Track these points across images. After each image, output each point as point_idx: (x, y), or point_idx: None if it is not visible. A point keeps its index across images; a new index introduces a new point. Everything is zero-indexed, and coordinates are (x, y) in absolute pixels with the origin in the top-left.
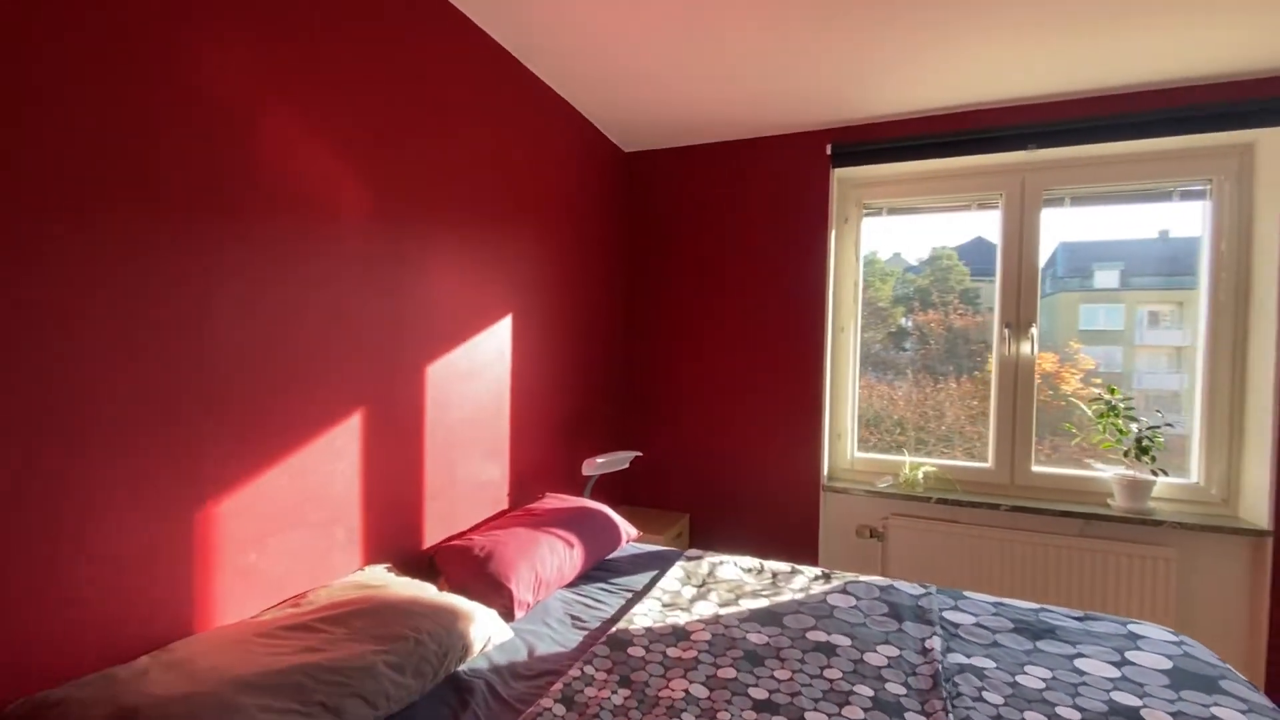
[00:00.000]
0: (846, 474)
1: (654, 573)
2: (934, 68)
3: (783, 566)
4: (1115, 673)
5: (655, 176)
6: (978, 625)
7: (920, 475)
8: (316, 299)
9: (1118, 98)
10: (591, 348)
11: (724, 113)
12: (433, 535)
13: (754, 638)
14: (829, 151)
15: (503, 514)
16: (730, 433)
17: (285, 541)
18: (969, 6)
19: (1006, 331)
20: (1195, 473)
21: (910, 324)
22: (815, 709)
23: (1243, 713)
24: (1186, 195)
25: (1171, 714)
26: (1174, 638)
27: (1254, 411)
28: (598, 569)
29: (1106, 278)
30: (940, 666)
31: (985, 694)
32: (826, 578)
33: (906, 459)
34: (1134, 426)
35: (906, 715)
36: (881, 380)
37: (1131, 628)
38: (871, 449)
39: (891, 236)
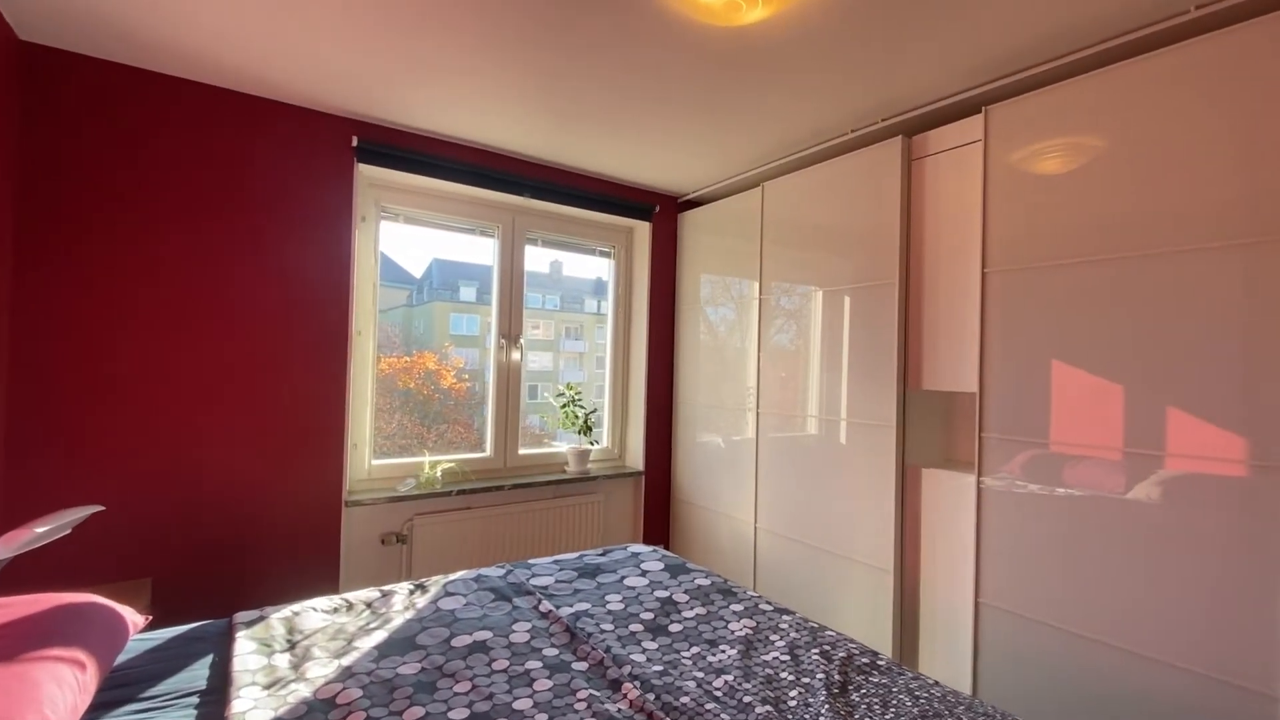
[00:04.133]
0: (364, 484)
1: (207, 659)
2: (449, 105)
3: (370, 593)
4: (645, 580)
5: (93, 96)
6: (557, 581)
7: (439, 473)
8: None
9: (582, 176)
10: None
11: (223, 47)
12: None
13: (406, 670)
14: (355, 144)
15: None
16: (207, 461)
17: None
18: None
19: (504, 341)
20: (606, 439)
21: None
22: (514, 698)
23: (705, 575)
24: (603, 253)
25: (684, 591)
26: (650, 549)
27: (634, 397)
28: (111, 687)
29: (469, 292)
30: (565, 621)
31: (601, 625)
32: (422, 588)
33: (426, 459)
34: (580, 412)
35: (574, 666)
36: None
37: (631, 549)
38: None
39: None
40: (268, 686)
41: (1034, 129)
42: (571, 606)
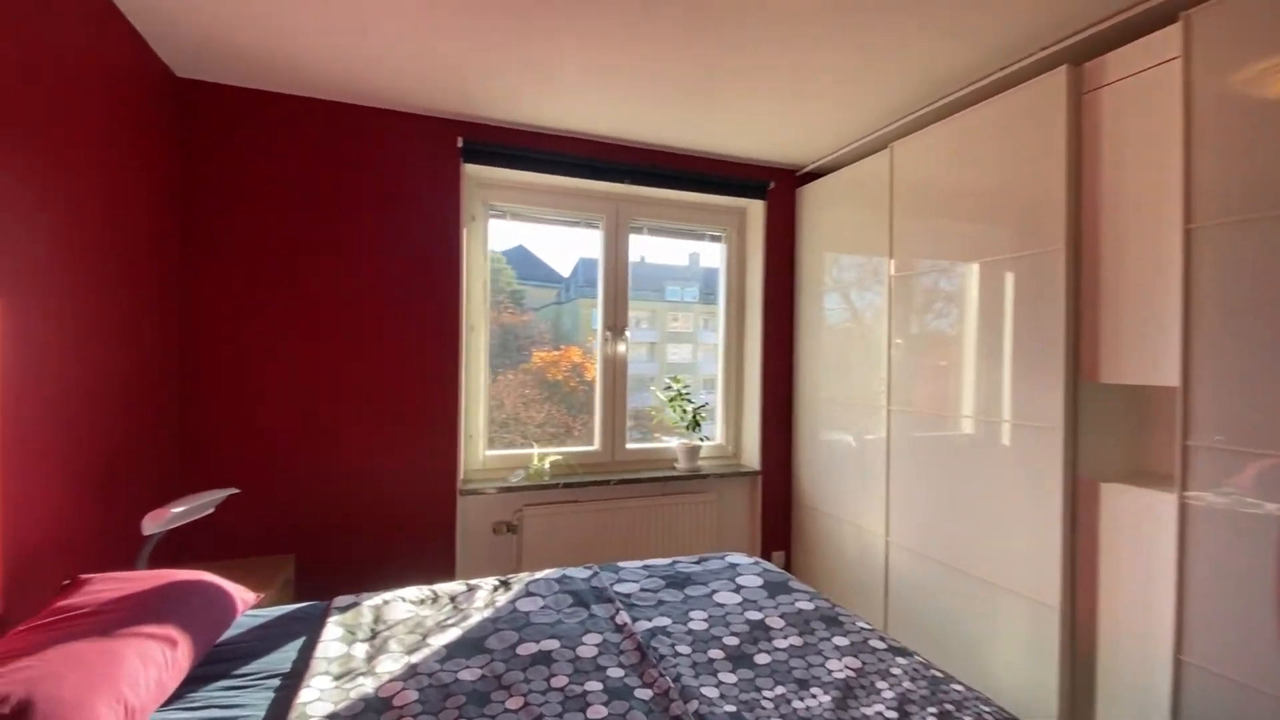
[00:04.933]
0: (478, 474)
1: (299, 642)
2: (551, 97)
3: (457, 586)
4: (738, 598)
5: (235, 122)
6: (642, 590)
7: (547, 465)
8: None
9: (681, 156)
10: (136, 353)
11: (344, 67)
12: None
13: (466, 675)
14: (460, 145)
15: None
16: (343, 449)
17: None
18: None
19: (608, 334)
20: (719, 435)
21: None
22: None
23: (809, 598)
24: (713, 238)
25: (780, 615)
26: (752, 560)
27: (749, 391)
28: (210, 661)
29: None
30: (638, 638)
31: (677, 647)
32: (506, 585)
33: (535, 451)
34: (688, 407)
35: (636, 693)
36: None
37: (729, 559)
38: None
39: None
40: (339, 677)
41: (1257, 36)
42: (650, 620)
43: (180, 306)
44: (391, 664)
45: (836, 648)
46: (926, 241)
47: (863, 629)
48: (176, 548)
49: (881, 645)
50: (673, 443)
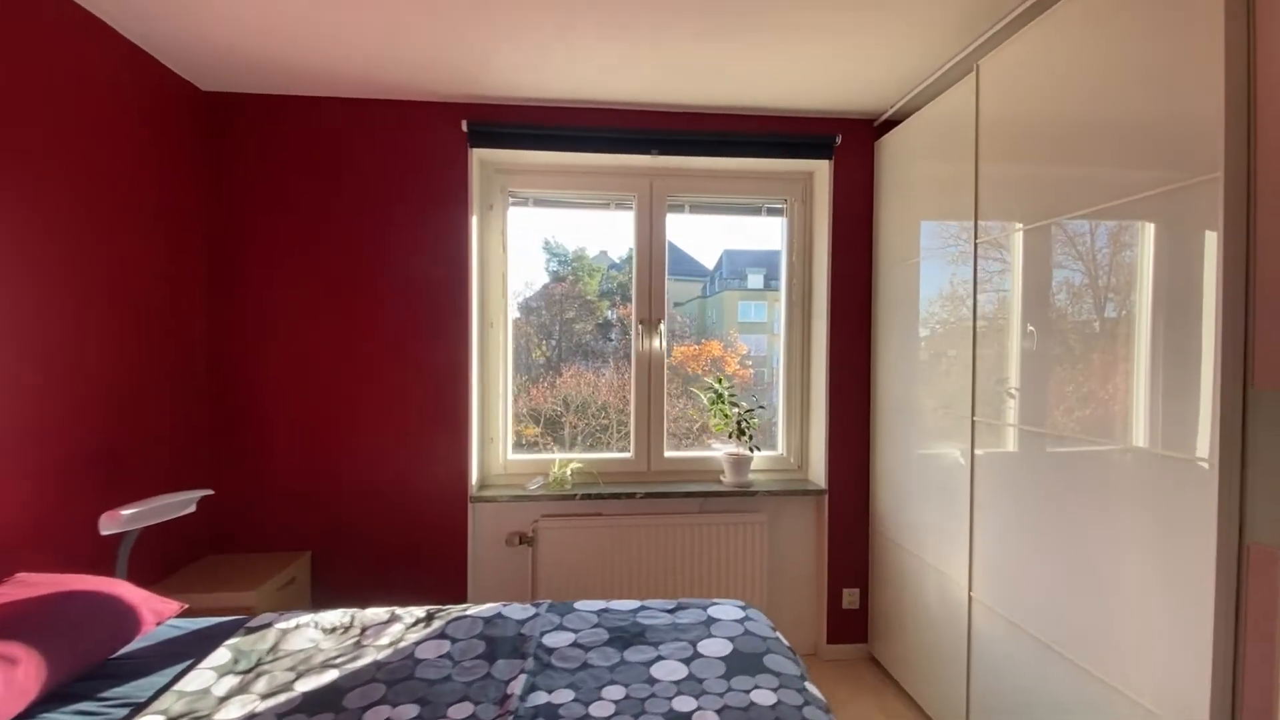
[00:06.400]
0: (499, 479)
1: (181, 666)
2: (562, 63)
3: (379, 614)
4: (682, 672)
5: (254, 128)
6: (575, 645)
7: (569, 473)
8: None
9: (723, 117)
10: (149, 345)
11: (344, 61)
12: None
13: None
14: (465, 129)
15: None
16: (357, 448)
17: None
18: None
19: (640, 327)
20: (781, 445)
21: (614, 316)
22: None
23: (773, 689)
24: (771, 211)
25: (716, 713)
26: (741, 613)
27: (816, 394)
28: (92, 677)
29: (756, 279)
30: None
31: None
32: (429, 619)
33: (556, 457)
34: (734, 411)
35: None
36: (588, 369)
37: (711, 610)
38: (537, 448)
39: (594, 234)
40: (178, 718)
41: None
42: (549, 694)
43: (202, 307)
44: (237, 710)
45: None
46: (1028, 192)
47: None
48: (192, 531)
49: None
50: (720, 451)
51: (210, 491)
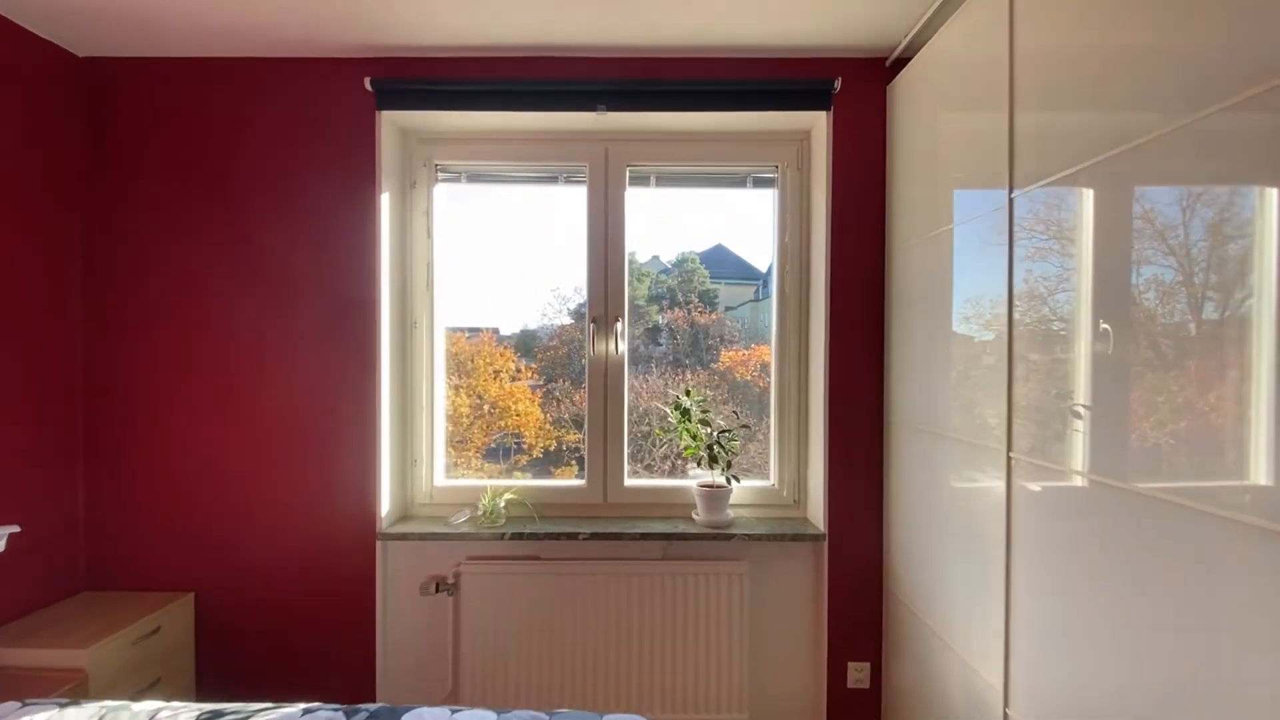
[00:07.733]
0: (423, 510)
1: None
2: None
3: (149, 708)
4: None
5: (142, 96)
6: None
7: (501, 503)
8: None
9: (689, 61)
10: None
11: (227, 9)
12: None
13: None
14: (369, 87)
15: None
16: (247, 472)
17: None
18: None
19: (592, 327)
20: (773, 475)
21: (664, 321)
22: None
23: None
24: (759, 182)
25: None
26: None
27: (815, 411)
28: None
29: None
30: None
31: None
32: None
33: (489, 483)
34: (705, 431)
35: None
36: (636, 374)
37: None
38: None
39: (648, 243)
40: None
41: None
42: None
43: (76, 301)
44: None
45: None
46: (1078, 144)
47: None
48: (91, 570)
49: None
50: (692, 482)
51: (17, 529)
